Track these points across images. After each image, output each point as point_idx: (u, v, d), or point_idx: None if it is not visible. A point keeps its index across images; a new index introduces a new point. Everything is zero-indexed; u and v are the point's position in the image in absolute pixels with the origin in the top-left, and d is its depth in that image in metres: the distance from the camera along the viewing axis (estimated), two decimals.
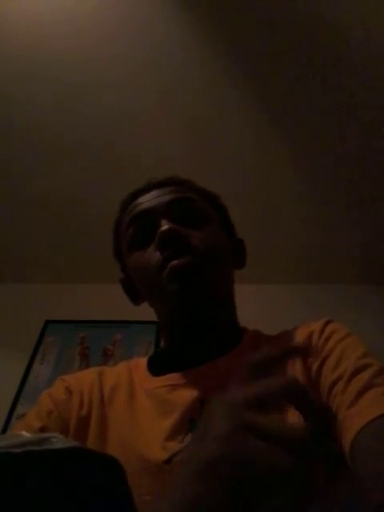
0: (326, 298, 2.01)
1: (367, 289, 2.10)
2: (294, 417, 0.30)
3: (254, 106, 1.63)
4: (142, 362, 0.68)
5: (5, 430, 1.63)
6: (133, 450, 0.53)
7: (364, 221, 1.95)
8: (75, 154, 1.76)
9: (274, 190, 1.87)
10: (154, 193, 0.67)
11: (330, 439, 0.30)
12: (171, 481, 0.28)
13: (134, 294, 0.72)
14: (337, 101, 1.60)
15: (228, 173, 1.80)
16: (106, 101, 1.62)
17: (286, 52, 1.49)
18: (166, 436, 0.53)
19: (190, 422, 0.54)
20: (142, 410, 0.58)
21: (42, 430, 0.55)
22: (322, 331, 0.58)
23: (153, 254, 0.61)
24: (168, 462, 0.50)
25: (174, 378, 0.60)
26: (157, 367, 0.65)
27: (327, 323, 0.59)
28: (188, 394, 0.56)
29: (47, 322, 2.02)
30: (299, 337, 0.59)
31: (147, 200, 0.67)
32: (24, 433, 0.23)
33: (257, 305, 1.81)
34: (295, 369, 0.54)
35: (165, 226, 0.60)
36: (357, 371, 0.49)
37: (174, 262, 0.58)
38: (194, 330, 0.62)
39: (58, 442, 0.22)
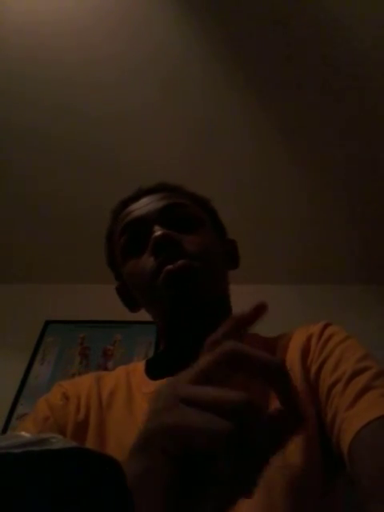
0: (326, 297, 2.01)
1: (367, 289, 2.10)
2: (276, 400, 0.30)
3: (254, 107, 1.63)
4: (140, 365, 0.68)
5: (5, 430, 1.63)
6: None
7: (364, 221, 1.95)
8: (75, 154, 1.76)
9: (275, 190, 1.87)
10: (145, 200, 0.68)
11: (294, 408, 0.30)
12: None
13: (131, 301, 0.72)
14: (337, 101, 1.60)
15: (228, 173, 1.81)
16: (106, 100, 1.62)
17: (287, 52, 1.49)
18: None
19: None
20: (140, 414, 0.58)
21: None
22: (320, 334, 0.58)
23: (147, 260, 0.61)
24: None
25: None
26: (155, 371, 0.65)
27: (326, 326, 0.59)
28: None
29: (47, 322, 2.02)
30: (298, 339, 0.59)
31: (139, 207, 0.67)
32: (24, 433, 0.23)
33: None
34: (294, 371, 0.54)
35: (158, 231, 0.60)
36: (355, 374, 0.49)
37: (169, 267, 0.58)
38: (191, 333, 0.61)
39: (58, 442, 0.22)
